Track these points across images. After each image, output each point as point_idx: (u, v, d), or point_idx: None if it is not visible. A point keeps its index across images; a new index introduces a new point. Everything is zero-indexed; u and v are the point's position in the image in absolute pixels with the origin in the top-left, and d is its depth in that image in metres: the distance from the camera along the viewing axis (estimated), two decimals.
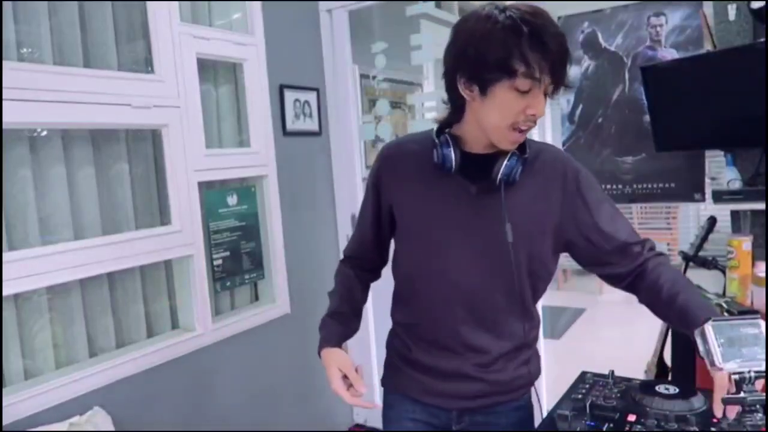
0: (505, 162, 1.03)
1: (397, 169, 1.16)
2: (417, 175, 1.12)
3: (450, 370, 1.14)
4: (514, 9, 0.96)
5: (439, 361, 1.15)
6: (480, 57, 0.95)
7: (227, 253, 2.19)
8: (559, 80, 0.98)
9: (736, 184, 1.85)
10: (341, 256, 1.33)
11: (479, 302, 1.11)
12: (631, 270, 1.10)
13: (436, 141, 1.07)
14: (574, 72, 2.30)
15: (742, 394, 0.87)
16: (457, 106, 1.08)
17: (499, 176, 1.04)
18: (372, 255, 1.28)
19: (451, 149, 1.06)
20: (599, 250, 1.09)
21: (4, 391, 1.55)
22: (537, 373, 1.19)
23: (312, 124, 2.57)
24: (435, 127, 1.13)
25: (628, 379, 1.14)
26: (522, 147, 1.07)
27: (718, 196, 1.84)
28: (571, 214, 1.09)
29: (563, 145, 2.34)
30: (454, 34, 1.02)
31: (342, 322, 1.20)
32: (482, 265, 1.09)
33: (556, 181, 1.09)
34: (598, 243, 1.09)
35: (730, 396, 0.88)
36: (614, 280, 1.13)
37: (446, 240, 1.10)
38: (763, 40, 1.74)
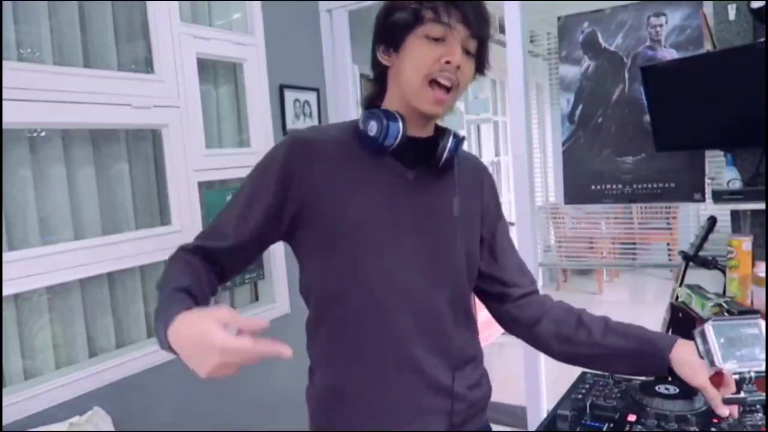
0: (451, 140, 0.96)
1: (313, 159, 0.94)
2: (343, 164, 0.95)
3: (406, 405, 0.96)
4: None
5: (387, 396, 0.95)
6: (389, 15, 0.95)
7: None
8: (476, 31, 0.92)
9: (736, 184, 1.85)
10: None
11: (427, 311, 0.96)
12: (520, 295, 1.06)
13: (374, 113, 0.94)
14: (573, 72, 2.30)
15: (742, 394, 0.87)
16: (379, 80, 1.02)
17: (445, 155, 0.95)
18: (236, 259, 1.00)
19: (399, 121, 0.93)
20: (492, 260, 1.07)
21: (4, 391, 1.55)
22: (490, 389, 1.10)
23: (312, 124, 2.57)
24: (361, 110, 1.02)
25: (628, 379, 1.14)
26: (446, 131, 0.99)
27: (718, 196, 1.84)
28: (487, 213, 1.07)
29: (563, 144, 2.34)
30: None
31: (192, 300, 0.88)
32: (427, 264, 0.96)
33: (479, 177, 1.08)
34: (494, 249, 1.07)
35: (730, 396, 0.88)
36: (500, 306, 1.08)
37: (388, 238, 0.94)
38: (763, 40, 1.74)
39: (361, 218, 0.94)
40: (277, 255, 2.36)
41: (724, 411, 0.89)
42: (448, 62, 0.91)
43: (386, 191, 0.96)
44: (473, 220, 1.04)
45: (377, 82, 1.02)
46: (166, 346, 0.80)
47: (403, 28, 0.93)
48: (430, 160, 0.97)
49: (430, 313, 0.97)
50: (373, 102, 1.02)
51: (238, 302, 2.30)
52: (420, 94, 0.93)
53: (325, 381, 1.01)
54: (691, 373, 0.92)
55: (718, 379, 0.90)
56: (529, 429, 2.39)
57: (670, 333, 1.89)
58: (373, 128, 0.93)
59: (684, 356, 0.94)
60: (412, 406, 0.96)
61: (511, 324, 1.10)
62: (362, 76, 2.79)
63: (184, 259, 0.96)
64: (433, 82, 0.92)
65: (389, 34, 0.95)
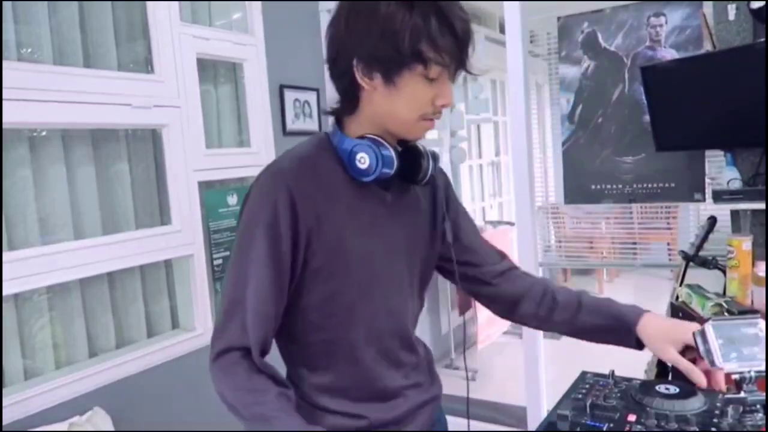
0: (431, 163, 0.96)
1: (306, 191, 0.89)
2: (333, 193, 0.91)
3: (399, 411, 1.01)
4: None
5: (379, 411, 0.99)
6: (386, 42, 0.83)
7: (227, 253, 2.18)
8: (464, 65, 0.90)
9: (736, 184, 1.85)
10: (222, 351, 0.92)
11: (406, 328, 1.02)
12: (496, 273, 1.10)
13: (362, 144, 0.90)
14: (573, 72, 2.30)
15: (742, 394, 0.87)
16: (350, 97, 0.92)
17: (427, 178, 0.96)
18: (273, 332, 0.93)
19: (390, 149, 0.91)
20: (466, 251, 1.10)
21: (4, 391, 1.55)
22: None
23: (312, 124, 2.57)
24: (328, 126, 0.98)
25: (628, 379, 1.14)
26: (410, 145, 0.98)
27: (718, 196, 1.84)
28: (448, 208, 1.08)
29: (563, 145, 2.34)
30: (347, 12, 0.88)
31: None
32: (405, 283, 1.01)
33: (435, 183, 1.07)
34: (460, 236, 1.09)
35: (730, 396, 0.88)
36: (479, 288, 1.12)
37: (382, 263, 0.95)
38: (763, 40, 1.74)
39: (360, 248, 0.93)
40: None
41: (703, 381, 0.91)
42: (442, 105, 0.90)
43: (373, 217, 0.96)
44: (437, 224, 1.07)
45: (348, 98, 0.93)
46: None
47: (401, 65, 0.85)
48: (404, 177, 0.96)
49: (406, 327, 1.04)
50: (339, 118, 0.97)
51: None
52: (411, 128, 0.93)
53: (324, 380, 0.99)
54: (660, 347, 0.96)
55: (712, 378, 0.91)
56: (529, 429, 2.39)
57: None
58: (365, 159, 0.90)
59: (649, 330, 0.98)
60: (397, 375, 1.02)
61: (492, 304, 1.15)
62: None
63: (254, 380, 0.88)
64: (423, 117, 0.91)
65: (379, 58, 0.85)
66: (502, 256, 1.15)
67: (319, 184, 0.90)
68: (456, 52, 0.86)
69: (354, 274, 0.93)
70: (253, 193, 0.91)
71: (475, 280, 1.11)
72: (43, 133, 1.69)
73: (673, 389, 1.03)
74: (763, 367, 0.87)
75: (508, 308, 1.13)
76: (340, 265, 0.92)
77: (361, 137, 0.92)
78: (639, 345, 1.02)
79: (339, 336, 0.95)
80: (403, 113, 0.90)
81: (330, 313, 0.93)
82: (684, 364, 0.93)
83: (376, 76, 0.87)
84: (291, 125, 2.44)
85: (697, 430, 0.90)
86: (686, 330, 0.95)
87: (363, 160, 0.90)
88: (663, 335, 0.97)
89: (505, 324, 3.53)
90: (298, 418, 0.84)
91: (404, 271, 1.00)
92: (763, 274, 1.58)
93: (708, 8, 2.00)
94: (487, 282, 1.11)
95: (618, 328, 1.02)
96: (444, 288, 3.77)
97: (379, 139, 0.92)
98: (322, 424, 0.95)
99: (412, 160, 0.96)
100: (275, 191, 0.87)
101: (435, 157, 0.98)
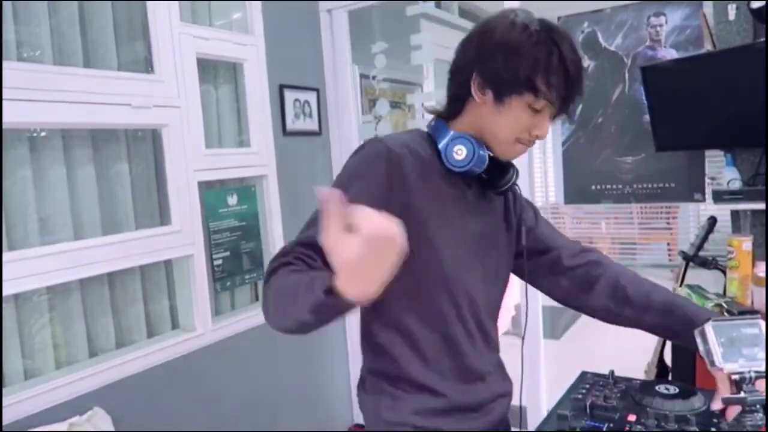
0: (516, 174, 1.05)
1: (406, 169, 0.95)
2: (426, 179, 0.97)
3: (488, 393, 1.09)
4: (546, 27, 0.94)
5: (460, 393, 1.04)
6: (508, 66, 0.92)
7: (227, 253, 2.19)
8: (567, 108, 0.98)
9: (736, 184, 1.85)
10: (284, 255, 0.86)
11: (486, 318, 1.09)
12: (570, 254, 1.16)
13: (465, 137, 0.98)
14: None
15: (742, 394, 0.87)
16: (458, 103, 1.02)
17: (508, 185, 1.03)
18: None
19: (486, 151, 0.99)
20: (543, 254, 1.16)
21: (4, 391, 1.55)
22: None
23: (312, 124, 2.57)
24: (431, 120, 1.05)
25: (628, 379, 1.14)
26: None
27: (718, 196, 1.84)
28: (526, 215, 1.17)
29: (563, 145, 2.34)
30: (482, 32, 0.97)
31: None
32: (487, 276, 1.08)
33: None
34: (536, 233, 1.16)
35: (730, 396, 0.88)
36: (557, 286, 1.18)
37: (466, 250, 1.03)
38: (763, 40, 1.74)
39: (443, 233, 0.98)
40: None
41: (716, 406, 0.92)
42: (537, 135, 0.98)
43: (456, 207, 1.01)
44: (508, 228, 1.13)
45: (455, 104, 1.02)
46: (329, 302, 0.69)
47: (514, 88, 0.93)
48: (486, 182, 1.03)
49: (488, 317, 1.10)
50: (441, 119, 1.04)
51: (237, 302, 2.30)
52: (504, 149, 1.00)
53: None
54: None
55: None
56: (529, 429, 2.40)
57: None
58: (462, 152, 0.97)
59: None
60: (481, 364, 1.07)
61: (563, 294, 1.18)
62: (362, 76, 2.79)
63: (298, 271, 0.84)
64: (518, 140, 0.99)
65: (497, 77, 0.94)
66: (578, 242, 1.21)
67: (414, 166, 0.95)
68: (564, 94, 0.94)
69: (438, 255, 0.97)
70: (357, 157, 0.96)
71: (548, 266, 1.16)
72: (43, 134, 1.69)
73: (673, 389, 1.03)
74: (763, 367, 0.87)
75: (578, 297, 1.15)
76: (424, 245, 0.95)
77: (461, 133, 1.00)
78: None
79: (428, 304, 1.00)
80: (501, 132, 0.98)
81: (419, 282, 0.97)
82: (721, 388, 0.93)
83: (488, 92, 0.96)
84: (291, 125, 2.44)
85: (697, 430, 0.90)
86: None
87: (460, 152, 0.97)
88: None
89: (505, 324, 3.53)
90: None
91: (482, 262, 1.06)
92: (763, 274, 1.58)
93: (708, 8, 2.00)
94: (561, 267, 1.15)
95: (686, 332, 1.00)
96: None
97: (478, 139, 0.99)
98: (404, 401, 1.01)
99: (499, 167, 1.03)
100: (379, 158, 0.93)
101: (517, 171, 1.06)
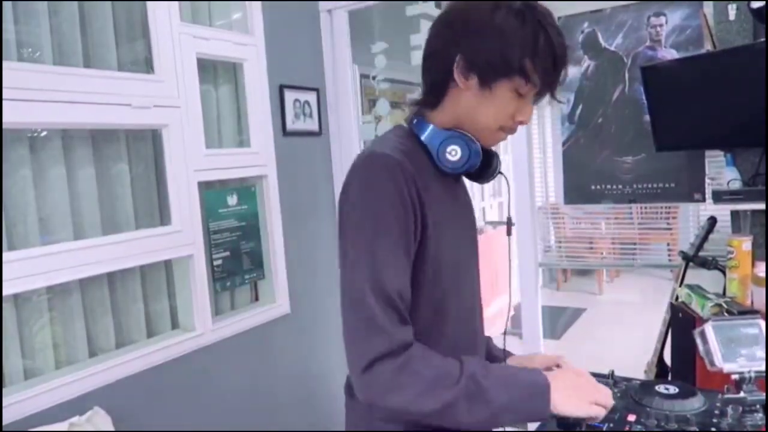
0: (500, 162, 1.02)
1: (417, 181, 0.89)
2: (430, 184, 0.93)
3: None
4: (529, 6, 0.90)
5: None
6: (496, 49, 0.87)
7: (227, 253, 2.19)
8: (553, 90, 0.95)
9: (736, 184, 1.85)
10: (396, 341, 0.85)
11: (480, 318, 1.10)
12: None
13: (456, 135, 0.94)
14: (573, 72, 2.30)
15: (742, 394, 0.87)
16: (438, 91, 0.95)
17: (497, 172, 1.02)
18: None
19: (479, 145, 0.94)
20: None
21: (4, 391, 1.55)
22: None
23: (312, 124, 2.57)
24: (410, 117, 1.00)
25: (628, 379, 1.14)
26: None
27: (718, 196, 1.84)
28: None
29: (563, 145, 2.34)
30: (463, 11, 0.91)
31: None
32: (476, 272, 1.09)
33: None
34: None
35: (730, 396, 0.88)
36: None
37: (466, 254, 1.02)
38: (763, 40, 1.74)
39: (454, 238, 0.98)
40: (277, 255, 2.36)
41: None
42: (521, 121, 0.94)
43: (452, 209, 0.99)
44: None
45: (435, 92, 0.96)
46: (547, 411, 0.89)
47: (503, 72, 0.88)
48: (472, 173, 1.00)
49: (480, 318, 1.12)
50: (422, 111, 0.99)
51: (238, 302, 2.30)
52: (487, 136, 0.96)
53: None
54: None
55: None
56: (529, 429, 2.39)
57: (669, 333, 1.90)
58: (456, 152, 0.93)
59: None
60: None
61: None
62: (362, 76, 2.79)
63: (430, 355, 0.89)
64: (501, 128, 0.95)
65: (485, 61, 0.88)
66: None
67: (415, 172, 0.89)
68: (551, 76, 0.91)
69: (443, 268, 0.94)
70: (361, 180, 0.88)
71: None
72: (43, 134, 1.69)
73: (673, 389, 1.03)
74: (762, 367, 0.87)
75: None
76: (441, 252, 0.93)
77: (447, 131, 0.95)
78: None
79: (437, 306, 0.97)
80: (486, 119, 0.93)
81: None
82: None
83: (472, 76, 0.90)
84: (291, 125, 2.44)
85: (697, 430, 0.90)
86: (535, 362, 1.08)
87: (454, 153, 0.93)
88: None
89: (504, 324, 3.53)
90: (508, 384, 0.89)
91: (474, 254, 1.06)
92: (763, 274, 1.58)
93: (708, 8, 2.00)
94: None
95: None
96: None
97: (467, 134, 0.94)
98: None
99: (486, 157, 0.99)
100: (390, 173, 0.86)
101: (499, 159, 1.03)
